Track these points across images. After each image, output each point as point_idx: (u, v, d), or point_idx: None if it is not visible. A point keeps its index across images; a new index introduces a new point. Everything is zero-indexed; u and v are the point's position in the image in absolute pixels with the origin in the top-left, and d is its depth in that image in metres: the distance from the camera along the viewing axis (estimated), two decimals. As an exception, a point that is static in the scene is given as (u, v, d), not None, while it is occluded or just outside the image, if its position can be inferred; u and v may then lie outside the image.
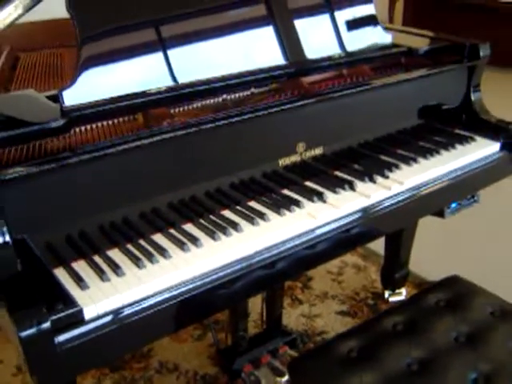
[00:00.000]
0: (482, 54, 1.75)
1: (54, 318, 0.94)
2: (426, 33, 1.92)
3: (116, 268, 1.07)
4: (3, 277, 0.99)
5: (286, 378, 1.77)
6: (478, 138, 1.72)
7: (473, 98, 1.79)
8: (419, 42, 1.84)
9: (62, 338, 0.96)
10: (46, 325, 0.93)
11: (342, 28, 1.63)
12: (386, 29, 1.79)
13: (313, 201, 1.33)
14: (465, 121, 1.80)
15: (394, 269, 2.17)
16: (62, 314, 0.96)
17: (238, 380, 1.85)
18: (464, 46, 1.76)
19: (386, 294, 2.23)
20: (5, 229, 1.01)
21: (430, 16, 6.18)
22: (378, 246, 2.24)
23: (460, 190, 1.63)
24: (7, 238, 1.02)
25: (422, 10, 6.23)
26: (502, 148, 1.70)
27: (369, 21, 1.71)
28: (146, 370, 1.94)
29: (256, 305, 1.96)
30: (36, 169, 1.04)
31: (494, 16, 5.58)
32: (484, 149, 1.67)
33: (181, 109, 1.29)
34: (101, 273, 1.06)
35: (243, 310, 1.87)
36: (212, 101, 1.33)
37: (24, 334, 0.91)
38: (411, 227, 2.08)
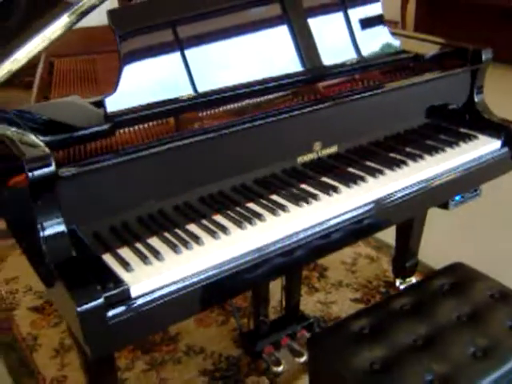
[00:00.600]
0: (484, 58, 1.89)
1: (106, 295, 1.10)
2: (433, 38, 2.04)
3: (156, 253, 1.23)
4: (60, 261, 1.15)
5: (304, 358, 1.93)
6: (481, 136, 1.85)
7: (476, 99, 1.93)
8: (426, 46, 1.99)
9: (112, 312, 1.11)
10: (100, 301, 1.08)
11: (354, 35, 1.77)
12: (395, 34, 1.94)
13: (329, 194, 1.47)
14: (468, 120, 1.93)
15: (405, 259, 2.31)
16: (113, 292, 1.12)
17: (259, 360, 2.01)
18: (467, 51, 1.90)
19: (397, 282, 2.38)
20: (61, 220, 1.17)
21: (441, 15, 6.28)
22: (390, 237, 2.38)
23: (463, 184, 1.77)
24: (63, 228, 1.18)
25: (433, 10, 6.32)
26: (503, 145, 1.83)
27: (379, 28, 1.85)
28: (174, 352, 2.10)
29: (276, 292, 2.10)
30: (86, 168, 1.20)
31: (505, 15, 5.68)
32: (486, 146, 1.80)
33: (209, 112, 1.45)
34: (143, 257, 1.22)
35: (264, 297, 2.03)
36: (237, 105, 1.48)
37: (81, 308, 1.06)
38: (420, 220, 2.22)
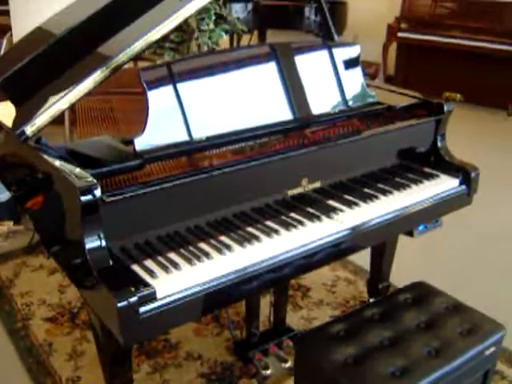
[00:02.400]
0: (445, 109, 2.23)
1: (139, 295, 1.41)
2: (403, 91, 2.39)
3: (175, 265, 1.53)
4: (101, 268, 1.46)
5: (289, 363, 2.23)
6: (442, 175, 2.18)
7: (439, 145, 2.26)
8: (398, 97, 2.33)
9: (143, 309, 1.42)
10: (134, 299, 1.39)
11: (337, 88, 2.11)
12: (370, 86, 2.28)
13: (313, 221, 1.79)
14: (432, 161, 2.27)
15: (378, 281, 2.63)
16: (143, 293, 1.42)
17: (250, 365, 2.31)
18: (432, 104, 2.25)
19: (372, 301, 2.69)
20: (102, 236, 1.48)
21: (419, 59, 6.71)
22: (366, 263, 2.70)
23: (426, 216, 2.09)
24: (103, 243, 1.48)
25: (412, 54, 6.76)
26: (461, 183, 2.17)
27: (358, 83, 2.19)
28: (175, 358, 2.39)
29: (265, 308, 2.41)
30: (122, 196, 1.51)
31: (478, 59, 6.11)
32: (446, 184, 2.13)
33: (216, 152, 1.77)
34: (165, 267, 1.52)
35: (255, 312, 2.34)
36: (239, 146, 1.81)
37: (121, 304, 1.37)
38: (390, 247, 2.54)
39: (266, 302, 2.49)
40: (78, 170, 1.53)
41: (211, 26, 3.11)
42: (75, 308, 2.71)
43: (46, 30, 2.41)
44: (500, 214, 3.81)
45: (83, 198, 1.42)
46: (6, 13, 7.06)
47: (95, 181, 1.45)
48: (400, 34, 6.60)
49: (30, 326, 2.61)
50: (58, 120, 1.79)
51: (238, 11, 6.29)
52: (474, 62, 6.23)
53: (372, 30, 6.98)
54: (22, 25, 3.25)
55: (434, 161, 2.27)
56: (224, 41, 6.03)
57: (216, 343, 2.48)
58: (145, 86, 1.67)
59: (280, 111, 1.93)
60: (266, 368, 2.23)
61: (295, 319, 2.63)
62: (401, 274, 2.66)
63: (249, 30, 6.55)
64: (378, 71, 7.16)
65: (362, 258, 2.70)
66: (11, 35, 3.68)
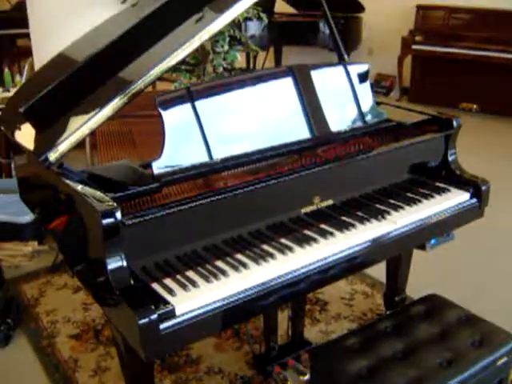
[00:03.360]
0: (454, 125, 2.28)
1: (159, 312, 1.48)
2: (413, 107, 2.44)
3: (193, 283, 1.60)
4: (123, 287, 1.53)
5: (307, 376, 2.28)
6: (453, 189, 2.22)
7: (449, 159, 2.31)
8: (408, 113, 2.39)
9: (163, 325, 1.48)
10: (155, 316, 1.46)
11: (348, 109, 2.18)
12: (380, 104, 2.34)
13: (326, 238, 1.85)
14: (443, 176, 2.31)
15: (394, 294, 2.68)
16: (163, 311, 1.49)
17: (269, 379, 2.37)
18: (441, 119, 2.30)
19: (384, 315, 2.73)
20: (123, 257, 1.55)
21: (434, 71, 6.75)
22: (382, 276, 2.75)
23: (437, 230, 2.14)
24: (124, 263, 1.56)
25: (427, 66, 6.80)
26: (471, 197, 2.21)
27: (368, 101, 2.24)
28: (196, 372, 2.45)
29: (283, 323, 2.47)
30: (142, 218, 1.58)
31: (493, 69, 6.15)
32: (457, 198, 2.17)
33: (231, 173, 1.85)
34: (184, 286, 1.59)
35: (273, 326, 2.39)
36: (254, 166, 1.88)
37: (142, 321, 1.44)
38: (406, 262, 2.59)
39: (284, 317, 2.54)
40: (98, 193, 1.61)
41: (225, 47, 3.19)
42: (99, 325, 2.79)
43: (68, 57, 2.51)
44: None
45: (105, 222, 1.49)
46: (29, 35, 7.24)
47: (116, 204, 1.53)
48: (414, 47, 6.65)
49: (55, 343, 2.69)
50: (78, 144, 1.87)
51: (252, 29, 6.38)
52: (489, 73, 6.27)
53: (387, 44, 7.05)
54: (43, 49, 3.37)
55: (445, 175, 2.31)
56: (241, 59, 6.15)
57: (236, 357, 2.54)
58: (161, 111, 1.75)
59: (292, 131, 2.00)
60: (285, 381, 2.28)
61: (313, 333, 2.68)
62: (417, 286, 2.70)
63: (264, 46, 6.67)
64: (394, 84, 7.22)
65: (379, 271, 2.75)
66: (32, 60, 3.80)
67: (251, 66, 7.25)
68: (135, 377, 1.90)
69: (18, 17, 7.73)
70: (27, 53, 8.30)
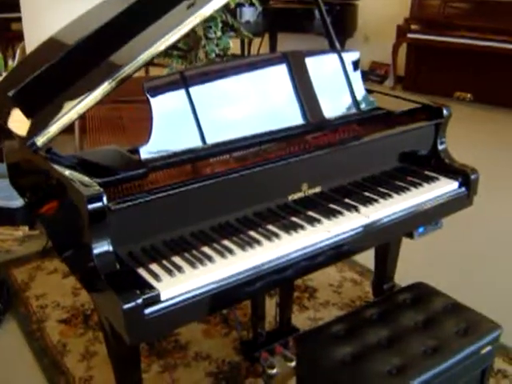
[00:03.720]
0: (444, 113, 2.28)
1: (144, 297, 1.48)
2: (404, 95, 2.44)
3: (179, 268, 1.60)
4: (108, 272, 1.53)
5: (295, 363, 2.29)
6: (442, 178, 2.22)
7: (439, 148, 2.31)
8: (399, 102, 2.39)
9: (147, 310, 1.49)
10: (140, 301, 1.46)
11: (337, 95, 2.17)
12: (371, 92, 2.34)
13: (313, 225, 1.86)
14: (433, 164, 2.31)
15: (383, 281, 2.69)
16: (148, 295, 1.49)
17: (256, 365, 2.38)
18: (431, 108, 2.30)
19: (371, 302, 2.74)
20: (109, 241, 1.56)
21: (428, 59, 6.75)
22: (373, 264, 2.76)
23: (425, 218, 2.14)
24: (110, 248, 1.56)
25: (422, 55, 6.79)
26: (460, 186, 2.21)
27: (358, 88, 2.24)
28: (184, 358, 2.46)
29: (271, 309, 2.48)
30: (128, 203, 1.58)
31: (488, 59, 6.15)
32: (445, 186, 2.17)
33: (219, 159, 1.84)
34: (169, 271, 1.59)
35: (261, 313, 2.40)
36: (241, 153, 1.88)
37: (126, 306, 1.44)
38: (394, 250, 2.60)
39: (272, 303, 2.56)
40: (86, 178, 1.60)
41: (218, 33, 3.18)
42: (88, 310, 2.80)
43: (58, 41, 2.50)
44: (504, 213, 3.85)
45: (90, 206, 1.49)
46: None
47: (102, 189, 1.52)
48: (410, 35, 6.63)
49: (44, 327, 2.70)
50: (67, 128, 1.87)
51: (247, 15, 6.35)
52: (484, 62, 6.27)
53: (382, 32, 7.03)
54: (34, 33, 3.35)
55: (435, 164, 2.31)
56: (236, 45, 6.13)
57: (224, 343, 2.55)
58: (148, 96, 1.74)
59: (281, 117, 1.99)
60: (272, 367, 2.29)
61: (301, 320, 2.69)
62: (406, 275, 2.71)
63: (259, 33, 6.64)
64: (389, 72, 7.20)
65: (368, 259, 2.76)
66: (24, 45, 3.77)
67: (246, 52, 7.22)
68: (121, 361, 1.90)
69: (12, 0, 7.70)
70: (21, 37, 8.29)
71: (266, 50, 7.21)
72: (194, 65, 3.16)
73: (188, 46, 3.08)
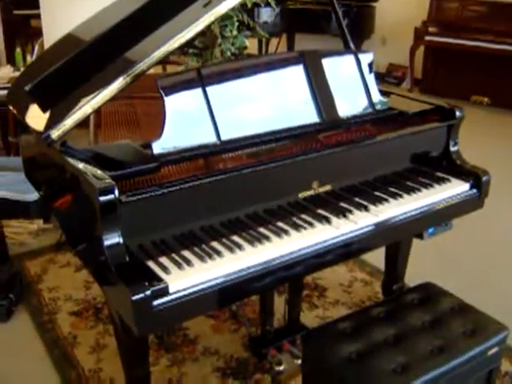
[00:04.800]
0: (457, 115, 2.28)
1: (153, 289, 1.50)
2: (417, 97, 2.45)
3: (188, 261, 1.62)
4: (118, 263, 1.56)
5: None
6: (453, 180, 2.22)
7: (451, 149, 2.31)
8: (412, 102, 2.40)
9: (156, 302, 1.51)
10: (148, 293, 1.48)
11: (351, 95, 2.18)
12: (386, 93, 2.34)
13: (322, 223, 1.87)
14: (444, 165, 2.32)
15: (393, 282, 2.69)
16: (156, 288, 1.52)
17: (264, 361, 2.39)
18: (444, 109, 2.30)
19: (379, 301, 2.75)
20: (120, 233, 1.58)
21: (446, 62, 6.72)
22: (383, 265, 2.76)
23: (435, 219, 2.15)
24: (121, 240, 1.58)
25: (439, 57, 6.77)
26: (471, 188, 2.22)
27: (372, 89, 2.25)
28: (193, 353, 2.48)
29: (280, 307, 2.50)
30: (140, 196, 1.61)
31: (506, 62, 6.12)
32: (456, 188, 2.18)
33: (231, 155, 1.86)
34: (178, 264, 1.61)
35: (270, 310, 2.42)
36: (254, 149, 1.90)
37: (135, 297, 1.46)
38: (404, 250, 2.60)
39: (281, 301, 2.57)
40: (99, 171, 1.63)
41: (234, 32, 3.20)
42: (99, 303, 2.83)
43: (76, 37, 2.53)
44: None
45: (102, 198, 1.52)
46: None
47: (113, 182, 1.55)
48: (427, 38, 6.61)
49: (56, 319, 2.74)
50: (83, 123, 1.90)
51: (265, 15, 6.37)
52: (501, 66, 6.23)
53: (400, 34, 7.02)
54: (53, 29, 3.39)
55: (446, 165, 2.31)
56: (253, 45, 6.14)
57: (232, 339, 2.57)
58: (162, 92, 1.76)
59: (295, 115, 2.01)
60: (280, 364, 2.31)
61: (310, 318, 2.71)
62: (415, 275, 2.71)
63: (277, 33, 6.66)
64: (406, 74, 7.18)
65: (379, 260, 2.77)
66: (42, 40, 3.82)
67: (263, 52, 7.24)
68: (130, 354, 1.93)
69: (32, -3, 7.79)
70: (40, 33, 8.38)
71: (283, 51, 7.22)
72: (209, 63, 3.18)
73: (204, 44, 3.11)
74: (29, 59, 4.37)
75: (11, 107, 2.30)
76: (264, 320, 2.43)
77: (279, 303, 2.47)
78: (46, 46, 3.42)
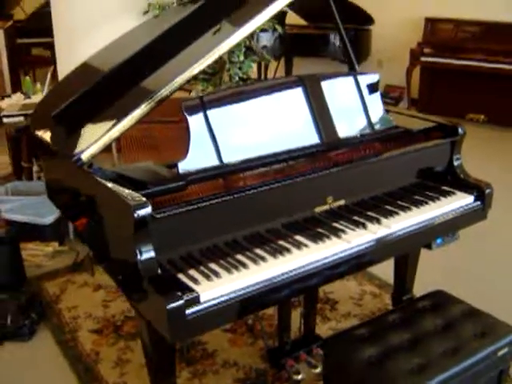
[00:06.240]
0: (459, 132, 2.41)
1: (186, 298, 1.61)
2: (421, 115, 2.58)
3: (216, 273, 1.73)
4: (152, 276, 1.66)
5: (319, 369, 2.40)
6: (458, 193, 2.34)
7: (455, 164, 2.43)
8: (416, 121, 2.52)
9: (189, 311, 1.62)
10: (181, 302, 1.59)
11: (359, 115, 2.31)
12: (389, 112, 2.47)
13: (338, 236, 1.98)
14: (449, 180, 2.44)
15: (402, 293, 2.80)
16: (189, 297, 1.62)
17: (282, 372, 2.49)
18: (447, 127, 2.43)
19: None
20: (152, 248, 1.69)
21: (442, 82, 6.88)
22: (391, 278, 2.87)
23: (442, 230, 2.27)
24: (153, 254, 1.69)
25: (435, 77, 6.93)
26: (475, 200, 2.34)
27: (378, 109, 2.38)
28: (213, 366, 2.58)
29: (295, 320, 2.59)
30: (168, 213, 1.72)
31: (500, 81, 6.28)
32: (461, 200, 2.29)
33: (250, 174, 1.98)
34: (207, 276, 1.72)
35: (287, 322, 2.53)
36: (272, 168, 2.02)
37: (170, 306, 1.57)
38: (413, 262, 2.72)
39: (296, 315, 2.66)
40: (127, 191, 1.74)
41: (241, 57, 3.34)
42: (119, 321, 2.93)
43: (92, 66, 2.67)
44: None
45: (136, 215, 1.63)
46: (47, 46, 7.45)
47: (146, 199, 1.66)
48: (423, 59, 6.78)
49: (77, 337, 2.83)
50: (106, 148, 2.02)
51: (264, 40, 6.54)
52: (496, 84, 6.40)
53: (396, 55, 7.19)
54: (66, 59, 3.53)
55: (451, 179, 2.43)
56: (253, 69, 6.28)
57: (250, 352, 2.67)
58: (186, 115, 1.89)
59: (307, 136, 2.13)
60: (297, 373, 2.41)
61: (324, 330, 2.81)
62: (423, 286, 2.82)
63: (275, 57, 6.82)
64: (403, 95, 7.34)
65: (387, 273, 2.88)
66: (53, 69, 3.96)
67: (262, 75, 7.40)
68: (158, 367, 2.03)
69: (34, 27, 7.98)
70: (41, 62, 8.56)
71: (281, 74, 7.38)
72: (218, 88, 3.32)
73: (213, 70, 3.25)
74: (37, 87, 4.50)
75: (37, 132, 2.41)
76: (281, 332, 2.53)
77: (295, 317, 2.57)
78: (60, 73, 3.56)
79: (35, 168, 4.03)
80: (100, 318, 2.97)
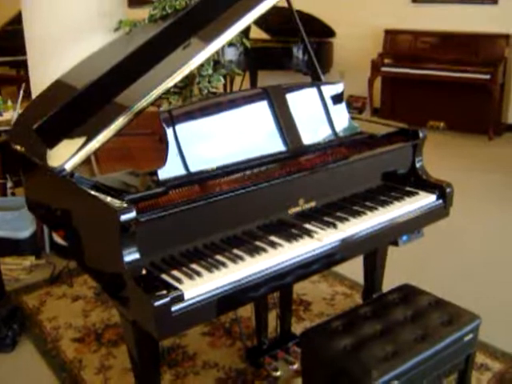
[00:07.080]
0: (420, 135, 2.56)
1: (171, 296, 1.71)
2: (383, 121, 2.73)
3: (198, 273, 1.84)
4: (137, 276, 1.76)
5: (296, 365, 2.52)
6: (421, 192, 2.49)
7: (417, 166, 2.58)
8: (379, 127, 2.67)
9: (174, 308, 1.71)
10: (167, 299, 1.69)
11: (325, 121, 2.44)
12: (354, 119, 2.61)
13: (310, 236, 2.10)
14: (412, 181, 2.59)
15: (372, 291, 2.93)
16: (174, 295, 1.72)
17: (261, 369, 2.60)
18: (408, 131, 2.58)
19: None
20: (136, 249, 1.79)
21: (402, 91, 7.12)
22: (361, 279, 3.00)
23: (408, 227, 2.41)
24: (139, 256, 1.79)
25: (396, 87, 7.16)
26: (438, 198, 2.48)
27: (344, 116, 2.52)
28: (194, 367, 2.67)
29: (272, 321, 2.71)
30: (147, 217, 1.82)
31: (458, 88, 6.52)
32: (424, 199, 2.44)
33: (226, 179, 2.09)
34: (190, 276, 1.82)
35: (264, 322, 2.64)
36: (246, 173, 2.13)
37: (156, 303, 1.66)
38: (381, 261, 2.85)
39: (273, 316, 2.77)
40: (109, 198, 1.84)
41: (210, 71, 3.46)
42: (99, 329, 3.00)
43: (67, 82, 2.76)
44: (477, 224, 4.23)
45: (122, 219, 1.73)
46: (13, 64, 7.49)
47: (131, 204, 1.76)
48: (383, 69, 7.00)
49: (59, 346, 2.89)
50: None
51: (230, 54, 6.67)
52: (454, 92, 6.65)
53: (357, 66, 7.41)
54: (39, 76, 3.60)
55: (414, 180, 2.58)
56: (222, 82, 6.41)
57: (229, 353, 2.77)
58: (164, 125, 1.99)
59: (274, 144, 2.23)
60: (276, 370, 2.52)
61: (299, 329, 2.90)
62: (392, 284, 2.95)
63: (241, 71, 6.95)
64: (365, 104, 7.56)
65: (357, 274, 3.01)
66: (27, 86, 4.02)
67: (228, 89, 7.54)
68: (144, 369, 2.11)
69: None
70: (7, 81, 8.57)
71: (247, 87, 7.52)
72: (190, 100, 3.42)
73: (184, 83, 3.35)
74: (9, 104, 4.56)
75: (16, 146, 2.49)
76: (259, 332, 2.65)
77: (271, 318, 2.68)
78: (33, 90, 3.63)
79: (9, 184, 4.07)
80: (81, 327, 3.03)
